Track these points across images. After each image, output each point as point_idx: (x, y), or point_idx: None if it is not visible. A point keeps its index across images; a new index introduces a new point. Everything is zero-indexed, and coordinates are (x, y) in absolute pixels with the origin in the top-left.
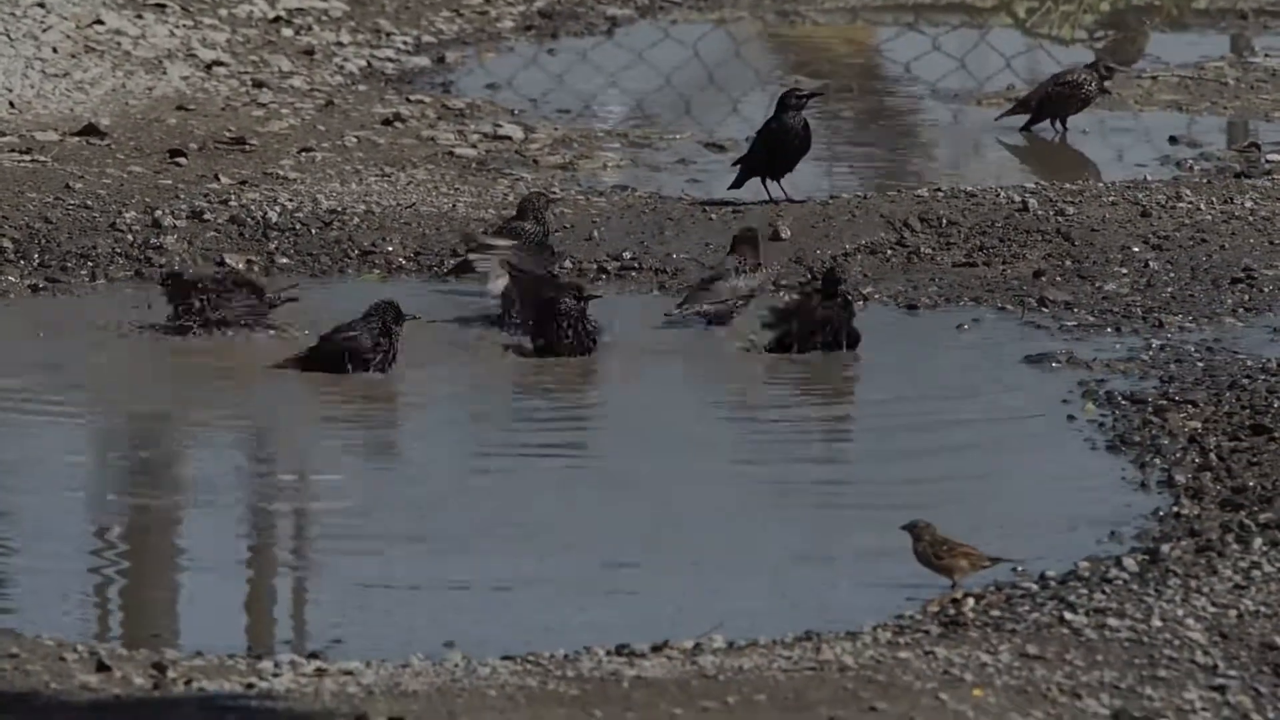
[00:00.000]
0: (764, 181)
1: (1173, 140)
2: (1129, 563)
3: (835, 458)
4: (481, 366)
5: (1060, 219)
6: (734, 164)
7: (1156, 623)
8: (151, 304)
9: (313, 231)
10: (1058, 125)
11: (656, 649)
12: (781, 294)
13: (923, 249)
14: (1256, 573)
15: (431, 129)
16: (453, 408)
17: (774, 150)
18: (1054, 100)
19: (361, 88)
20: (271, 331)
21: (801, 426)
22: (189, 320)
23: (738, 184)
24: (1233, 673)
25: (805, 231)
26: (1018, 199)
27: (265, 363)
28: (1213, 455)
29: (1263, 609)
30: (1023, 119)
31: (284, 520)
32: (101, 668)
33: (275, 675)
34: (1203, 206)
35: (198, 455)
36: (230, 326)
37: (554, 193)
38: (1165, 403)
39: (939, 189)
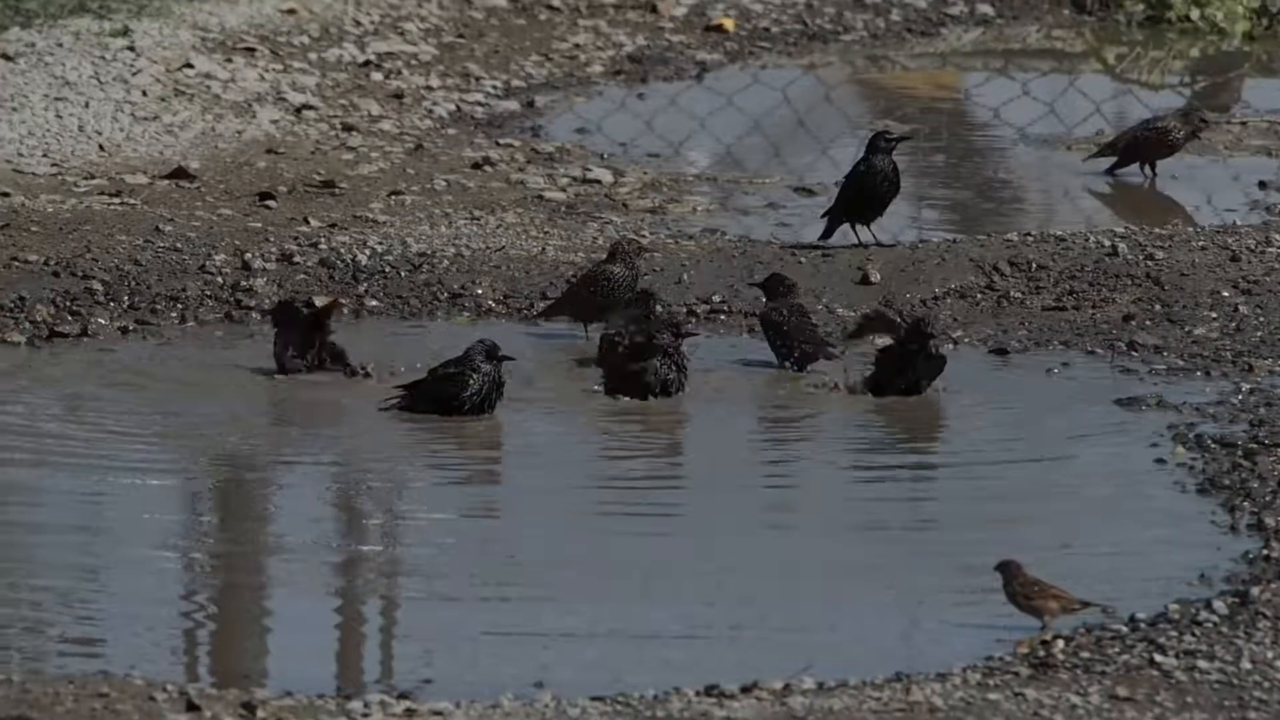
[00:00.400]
0: (853, 226)
1: (1262, 185)
2: (1219, 605)
3: (925, 499)
4: (572, 409)
5: (1150, 263)
6: (821, 215)
7: (1246, 665)
8: (254, 334)
9: (402, 274)
10: (1146, 170)
11: (746, 690)
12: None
13: (1012, 293)
14: None
15: (521, 173)
16: (542, 450)
17: (862, 193)
18: (1142, 145)
19: (451, 131)
20: (363, 372)
21: (891, 468)
22: (296, 354)
23: (826, 235)
24: None
25: (894, 275)
26: (1107, 243)
27: (361, 403)
28: None
29: None
30: (1109, 161)
31: (374, 560)
32: (191, 707)
33: (365, 715)
34: None
35: (289, 495)
36: (331, 364)
37: (644, 238)
38: (1255, 446)
39: (1028, 233)
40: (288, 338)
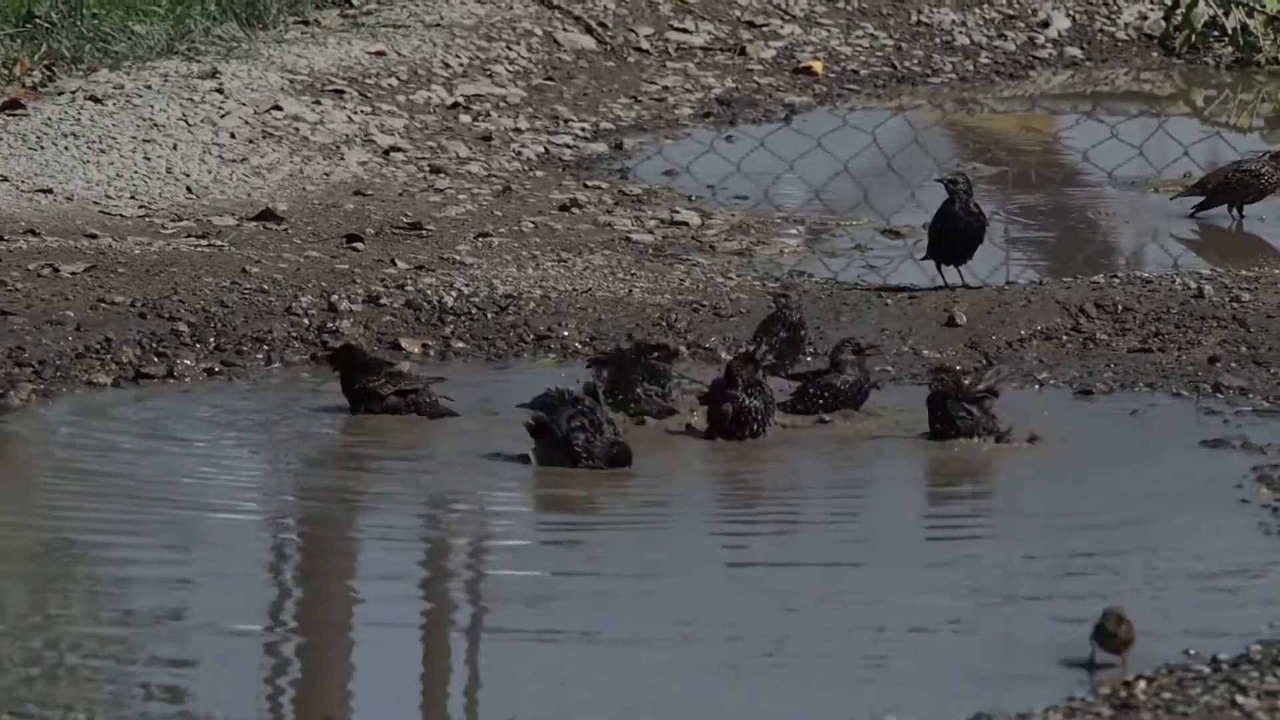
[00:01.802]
0: (939, 267)
1: None
2: None
3: (1005, 538)
4: (665, 452)
5: (1235, 305)
6: (922, 259)
7: None
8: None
9: (488, 316)
10: (1234, 212)
11: None
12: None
13: (1098, 335)
14: None
15: (608, 214)
16: (633, 491)
17: (944, 236)
18: (1231, 186)
19: (539, 173)
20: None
21: (977, 507)
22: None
23: (944, 281)
24: None
25: (981, 317)
26: (1193, 285)
27: (445, 441)
28: None
29: None
30: (1196, 200)
31: (460, 603)
32: None
33: None
34: None
35: (376, 537)
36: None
37: (731, 279)
38: None
39: (1115, 275)
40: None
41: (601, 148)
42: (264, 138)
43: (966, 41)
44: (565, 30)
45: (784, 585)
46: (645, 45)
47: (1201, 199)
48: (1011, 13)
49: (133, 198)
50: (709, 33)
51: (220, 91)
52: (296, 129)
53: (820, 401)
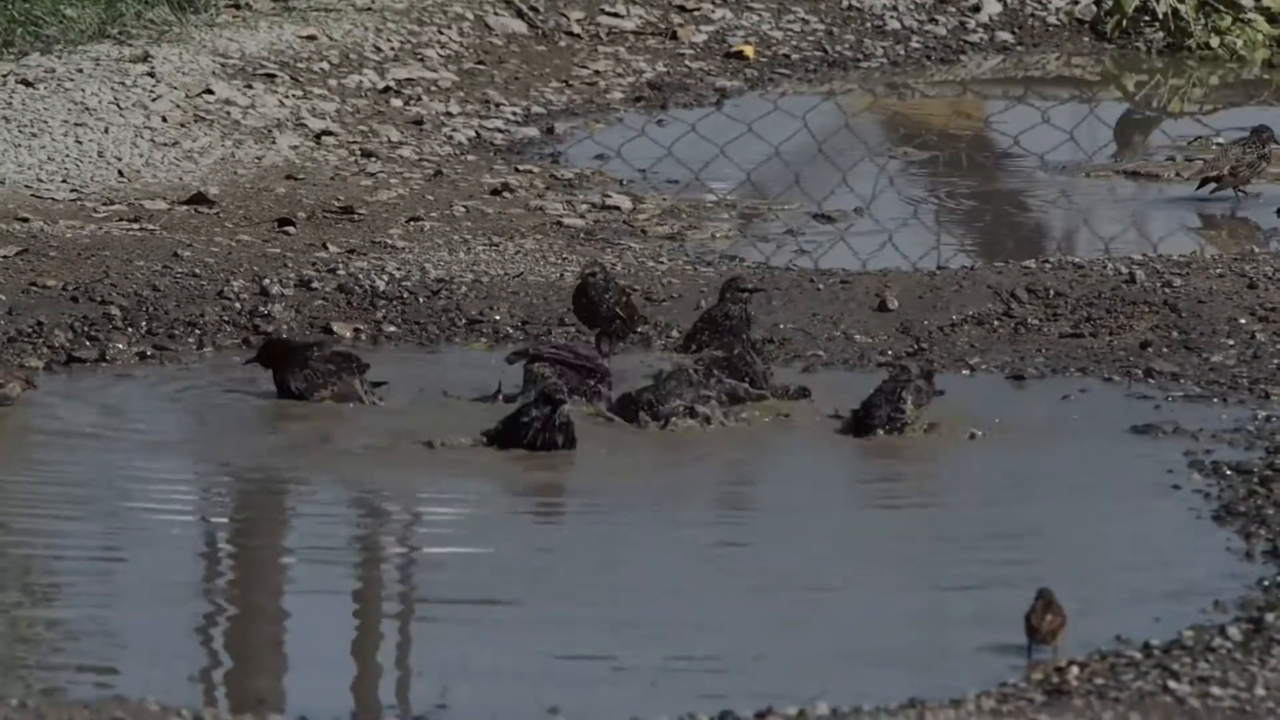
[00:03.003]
0: None
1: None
2: (1233, 632)
3: (939, 527)
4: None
5: (1167, 290)
6: None
7: (1260, 691)
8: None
9: (420, 300)
10: (1238, 193)
11: (760, 715)
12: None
13: (1030, 320)
14: None
15: (540, 199)
16: (568, 475)
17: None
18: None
19: (470, 158)
20: (377, 401)
21: (905, 495)
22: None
23: None
24: None
25: (913, 302)
26: (1125, 270)
27: (375, 426)
28: None
29: None
30: (1210, 187)
31: (390, 585)
32: None
33: None
34: None
35: (306, 520)
36: (337, 396)
37: (663, 264)
38: (1271, 473)
39: (1047, 260)
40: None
41: (533, 132)
42: (196, 121)
43: (898, 26)
44: (497, 14)
45: (747, 570)
46: (576, 29)
47: (1215, 185)
48: None
49: (64, 181)
50: (640, 17)
51: (152, 75)
52: (228, 113)
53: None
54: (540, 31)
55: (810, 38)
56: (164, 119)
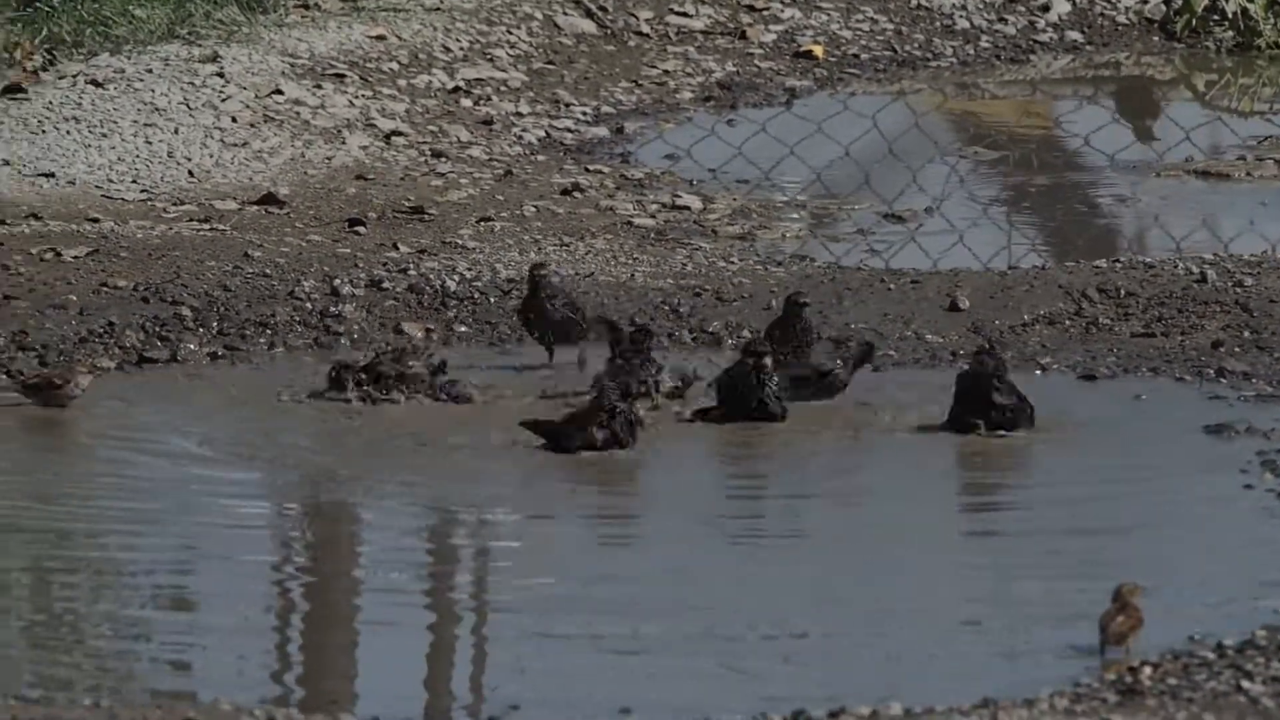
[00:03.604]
0: None
1: None
2: None
3: (1013, 527)
4: (667, 432)
5: (1239, 290)
6: None
7: None
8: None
9: (491, 300)
10: None
11: (833, 715)
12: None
13: (1101, 319)
14: None
15: (610, 199)
16: (638, 472)
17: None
18: None
19: (540, 158)
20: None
21: (979, 494)
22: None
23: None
24: None
25: (984, 302)
26: (1196, 270)
27: (454, 428)
28: None
29: None
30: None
31: (464, 586)
32: None
33: None
34: None
35: (380, 521)
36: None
37: (733, 264)
38: None
39: (1118, 260)
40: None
41: (603, 132)
42: (265, 122)
43: (967, 25)
44: (566, 14)
45: (810, 570)
46: (646, 29)
47: None
48: None
49: (135, 181)
50: (709, 16)
51: (221, 75)
52: (298, 113)
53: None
54: (609, 31)
55: (879, 37)
56: (234, 119)
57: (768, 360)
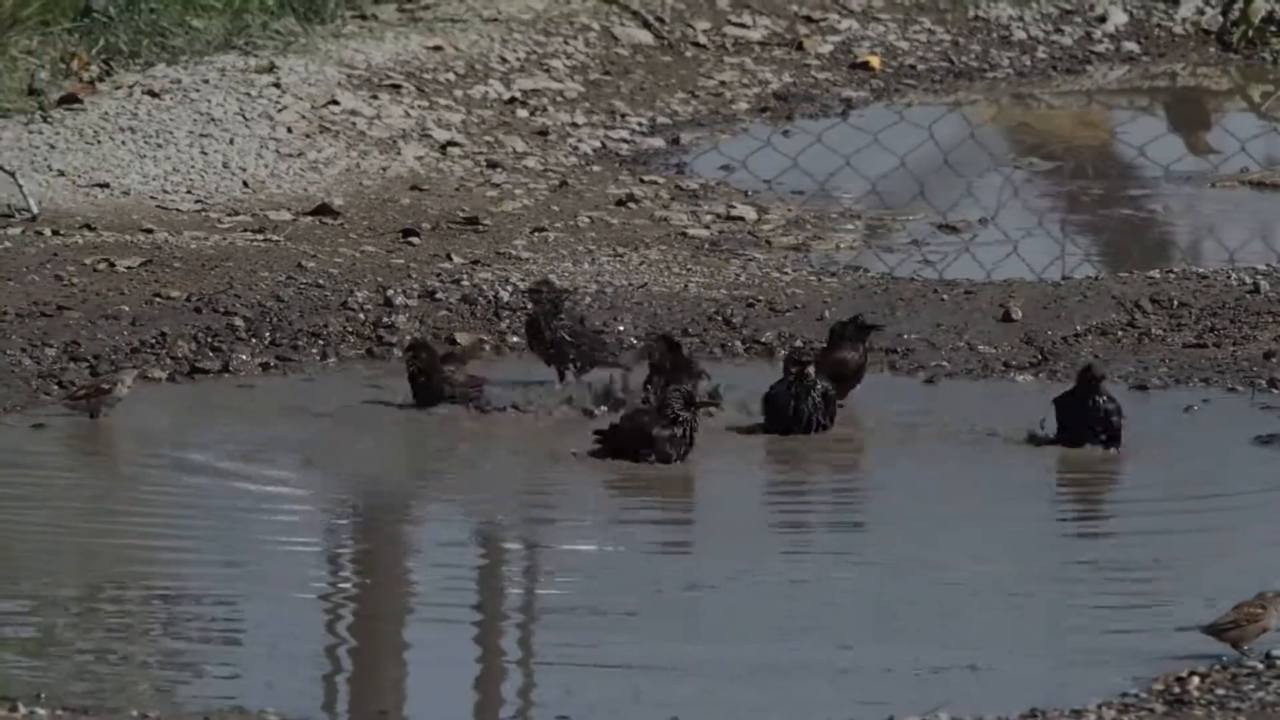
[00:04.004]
0: None
1: None
2: None
3: (1063, 537)
4: (722, 447)
5: None
6: None
7: None
8: (398, 370)
9: None
10: None
11: None
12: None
13: (1154, 330)
14: None
15: (665, 209)
16: (691, 487)
17: None
18: None
19: (595, 168)
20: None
21: (1029, 505)
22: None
23: None
24: None
25: (1037, 313)
26: (1249, 280)
27: (502, 437)
28: None
29: None
30: None
31: (513, 597)
32: None
33: None
34: None
35: (431, 531)
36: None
37: (787, 274)
38: None
39: (1171, 270)
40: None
41: (658, 143)
42: (321, 132)
43: (1024, 36)
44: (622, 25)
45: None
46: (702, 40)
47: None
48: (1069, 7)
49: (189, 192)
50: (766, 27)
51: (277, 86)
52: (353, 124)
53: None
54: (666, 42)
55: (936, 48)
56: (289, 130)
57: (810, 370)
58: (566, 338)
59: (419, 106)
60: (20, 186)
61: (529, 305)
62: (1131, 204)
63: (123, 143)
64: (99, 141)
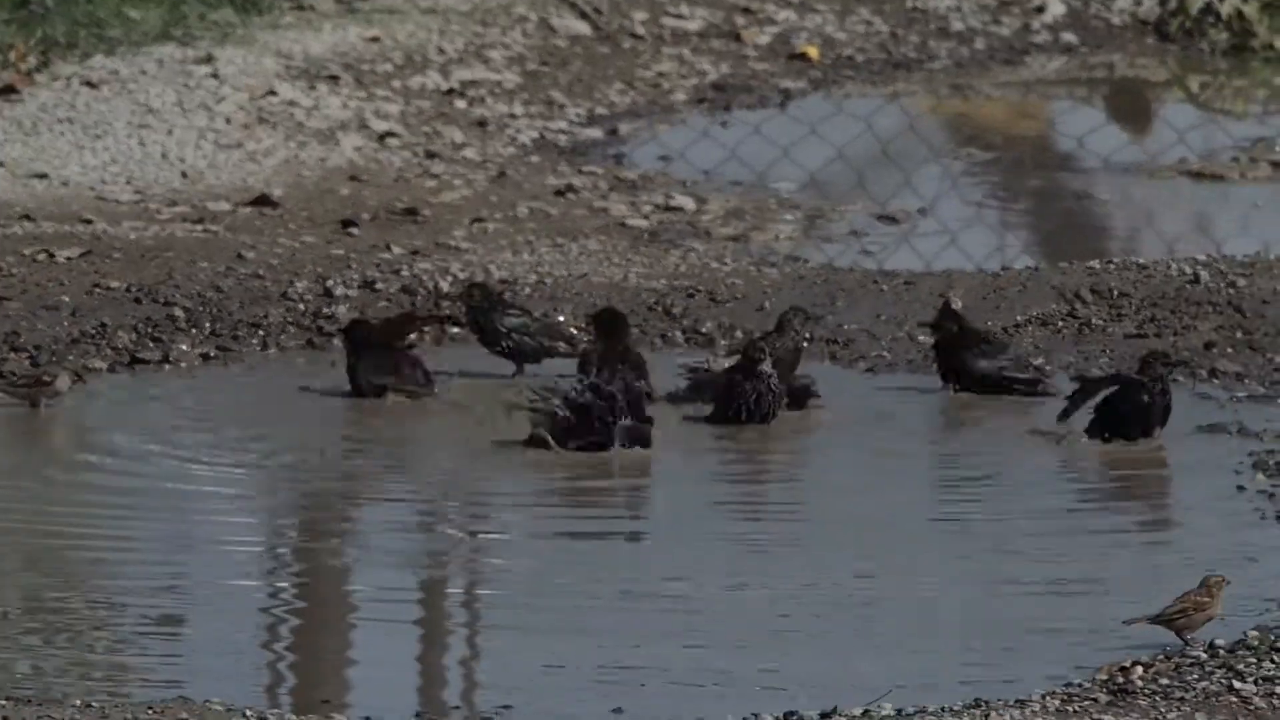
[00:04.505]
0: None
1: None
2: None
3: (1003, 528)
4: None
5: (1231, 291)
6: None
7: None
8: (336, 361)
9: None
10: None
11: (825, 715)
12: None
13: (1094, 320)
14: None
15: (604, 200)
16: (637, 476)
17: None
18: None
19: (534, 159)
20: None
21: (969, 494)
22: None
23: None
24: None
25: (977, 303)
26: (1189, 270)
27: (443, 425)
28: None
29: None
30: None
31: (456, 587)
32: None
33: None
34: None
35: (371, 520)
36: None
37: (726, 265)
38: None
39: (1111, 261)
40: (362, 358)
41: (597, 133)
42: (259, 123)
43: (962, 27)
44: (560, 16)
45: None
46: (640, 31)
47: None
48: None
49: (128, 183)
50: (704, 18)
51: (215, 77)
52: (292, 114)
53: None
54: (604, 33)
55: (874, 39)
56: (227, 120)
57: (765, 364)
58: (499, 329)
59: (357, 97)
60: None
61: (464, 309)
62: (1070, 194)
63: (61, 133)
64: (37, 132)
